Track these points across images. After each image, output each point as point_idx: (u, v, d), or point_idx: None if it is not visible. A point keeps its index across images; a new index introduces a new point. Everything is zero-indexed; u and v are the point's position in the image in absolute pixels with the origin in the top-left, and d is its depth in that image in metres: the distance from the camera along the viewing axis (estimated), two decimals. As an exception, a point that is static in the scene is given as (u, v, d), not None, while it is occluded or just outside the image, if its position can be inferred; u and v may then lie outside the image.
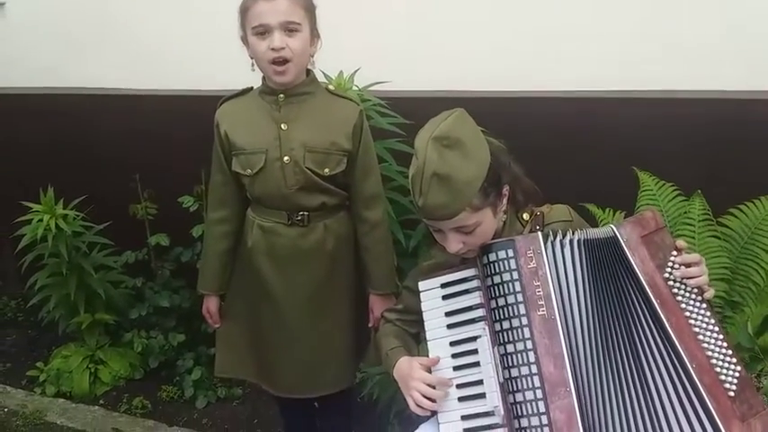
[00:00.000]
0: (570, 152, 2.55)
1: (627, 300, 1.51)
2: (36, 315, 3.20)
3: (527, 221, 1.67)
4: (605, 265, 1.53)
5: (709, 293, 1.54)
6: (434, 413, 1.57)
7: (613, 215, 2.43)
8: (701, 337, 1.49)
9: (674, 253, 1.55)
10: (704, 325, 1.50)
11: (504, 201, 1.62)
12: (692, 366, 1.45)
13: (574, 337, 1.46)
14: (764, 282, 2.29)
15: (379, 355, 1.79)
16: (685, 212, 2.38)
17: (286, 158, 1.94)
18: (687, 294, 1.52)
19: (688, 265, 1.52)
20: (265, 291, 2.06)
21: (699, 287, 1.52)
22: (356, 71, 2.41)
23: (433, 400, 1.56)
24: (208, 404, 2.94)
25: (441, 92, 2.77)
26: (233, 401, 2.97)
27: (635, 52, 2.63)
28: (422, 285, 1.67)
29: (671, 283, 1.53)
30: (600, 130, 2.66)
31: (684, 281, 1.52)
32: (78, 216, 2.87)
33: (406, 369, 1.64)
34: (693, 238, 2.33)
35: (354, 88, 2.41)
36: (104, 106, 3.16)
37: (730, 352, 1.48)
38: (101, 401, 2.98)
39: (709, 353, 1.48)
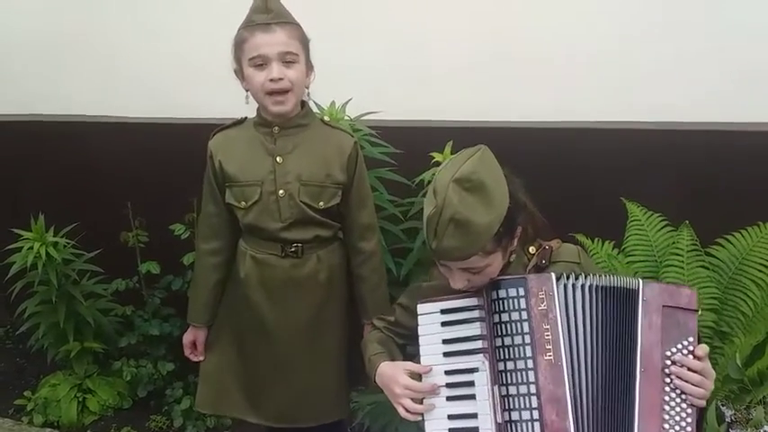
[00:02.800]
0: (558, 182, 2.57)
1: (627, 357, 1.47)
2: (24, 343, 3.17)
3: (533, 255, 1.64)
4: (615, 316, 1.50)
5: (699, 404, 1.47)
6: None
7: (602, 246, 2.45)
8: (666, 426, 1.44)
9: (691, 339, 1.47)
10: (677, 418, 1.44)
11: (515, 241, 1.59)
12: None
13: (578, 385, 1.43)
14: (753, 312, 2.31)
15: (363, 360, 1.77)
16: (673, 243, 2.40)
17: (281, 192, 1.94)
18: (676, 384, 1.45)
19: (692, 370, 1.46)
20: (257, 321, 2.05)
21: (691, 394, 1.45)
22: (348, 101, 2.44)
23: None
24: (196, 434, 2.91)
25: (431, 122, 2.79)
26: (222, 431, 2.94)
27: (619, 81, 2.68)
28: (420, 308, 1.63)
29: (668, 362, 1.46)
30: (587, 160, 2.69)
31: (683, 371, 1.45)
32: (69, 244, 2.85)
33: (390, 374, 1.62)
34: (682, 268, 2.35)
35: (346, 118, 2.43)
36: (96, 133, 3.16)
37: None
38: (88, 431, 2.95)
39: None
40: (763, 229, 2.38)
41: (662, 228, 2.47)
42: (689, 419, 1.45)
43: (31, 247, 2.72)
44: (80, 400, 2.99)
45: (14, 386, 3.22)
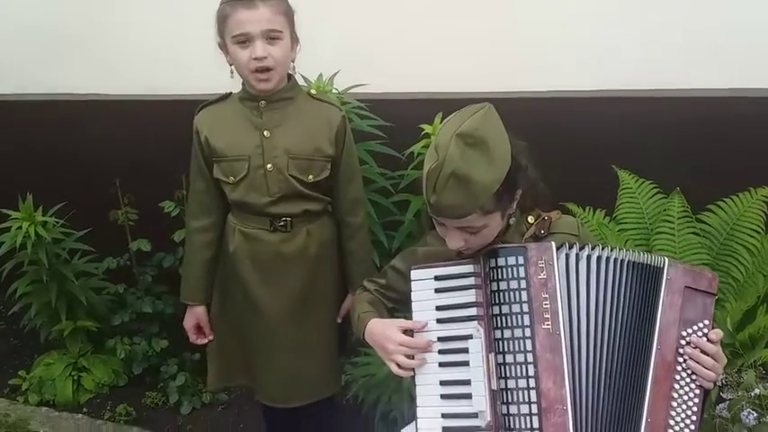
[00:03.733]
0: (550, 151, 2.54)
1: (643, 333, 1.47)
2: (18, 323, 3.17)
3: (531, 224, 1.62)
4: (636, 291, 1.49)
5: (708, 386, 1.48)
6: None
7: (593, 214, 2.45)
8: (674, 404, 1.45)
9: (707, 322, 1.48)
10: (685, 398, 1.46)
11: (515, 204, 1.57)
12: (646, 420, 1.43)
13: (577, 355, 1.43)
14: (744, 277, 2.32)
15: (351, 318, 1.77)
16: (665, 210, 2.40)
17: (269, 166, 1.93)
18: (689, 365, 1.46)
19: (705, 353, 1.46)
20: (248, 297, 2.05)
21: (702, 376, 1.46)
22: (335, 74, 2.41)
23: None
24: (193, 410, 2.92)
25: (420, 93, 2.77)
26: (218, 407, 2.95)
27: (615, 51, 2.66)
28: (414, 274, 1.61)
29: (683, 342, 1.47)
30: (579, 128, 2.68)
31: (696, 352, 1.46)
32: (58, 223, 2.83)
33: (381, 330, 1.61)
34: (673, 235, 2.35)
35: (334, 91, 2.40)
36: (82, 112, 3.13)
37: None
38: (84, 409, 2.96)
39: (672, 422, 1.44)
40: (754, 195, 2.38)
41: (653, 195, 2.47)
42: (696, 400, 1.46)
43: (20, 227, 2.70)
44: (75, 378, 2.99)
45: (9, 366, 3.22)
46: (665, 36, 2.63)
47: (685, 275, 1.50)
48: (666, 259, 1.51)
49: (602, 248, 1.51)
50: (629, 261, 1.50)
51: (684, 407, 1.46)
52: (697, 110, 2.62)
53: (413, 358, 1.56)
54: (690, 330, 1.48)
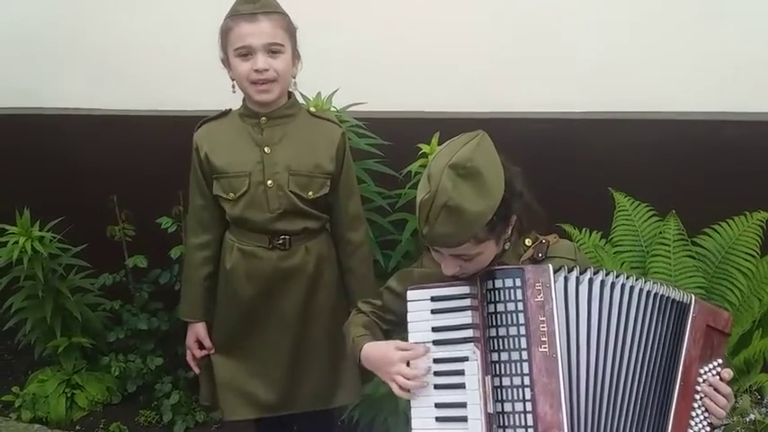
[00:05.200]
0: (546, 172, 2.56)
1: (649, 361, 1.47)
2: (12, 339, 3.15)
3: (528, 247, 1.62)
4: (661, 324, 1.50)
5: (717, 423, 1.52)
6: None
7: (590, 236, 2.45)
8: None
9: (720, 361, 1.51)
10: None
11: (510, 230, 1.56)
12: None
13: (575, 378, 1.42)
14: (739, 301, 2.32)
15: (346, 342, 1.75)
16: (660, 233, 2.41)
17: (270, 182, 1.93)
18: (704, 402, 1.49)
19: (719, 392, 1.50)
20: (245, 313, 2.04)
21: (712, 413, 1.49)
22: (334, 92, 2.43)
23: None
24: (186, 429, 2.89)
25: (418, 113, 2.79)
26: (212, 426, 2.93)
27: (611, 72, 2.68)
28: (411, 294, 1.60)
29: (700, 380, 1.49)
30: (576, 149, 2.69)
31: (711, 391, 1.49)
32: (55, 238, 2.84)
33: (380, 353, 1.60)
34: (669, 257, 2.36)
35: (332, 109, 2.42)
36: (81, 127, 3.14)
37: None
38: (77, 427, 2.93)
39: None
40: (749, 219, 2.39)
41: (649, 218, 2.48)
42: None
43: (17, 242, 2.70)
44: (69, 395, 2.97)
45: (2, 382, 3.20)
46: (662, 58, 2.66)
47: (707, 314, 1.52)
48: (693, 296, 1.53)
49: (607, 273, 1.50)
50: (655, 293, 1.50)
51: None
52: (693, 131, 2.64)
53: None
54: (706, 368, 1.50)
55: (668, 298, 1.51)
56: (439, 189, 1.40)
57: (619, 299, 1.48)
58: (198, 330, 2.12)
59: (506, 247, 1.60)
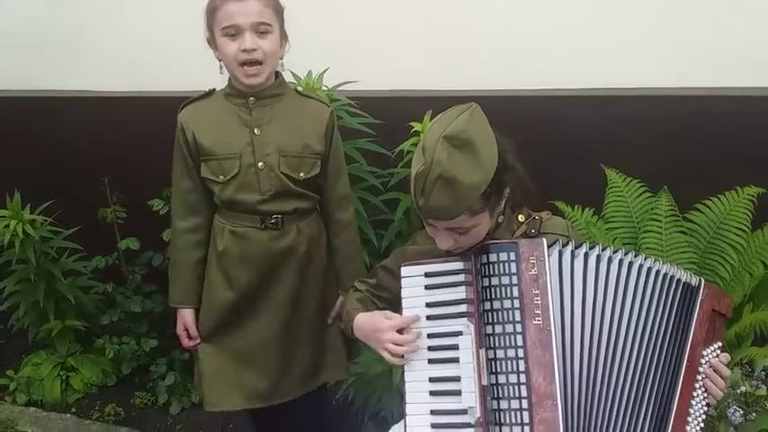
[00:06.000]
0: (538, 149, 2.56)
1: (650, 339, 1.49)
2: (5, 322, 3.15)
3: (522, 223, 1.63)
4: (667, 305, 1.51)
5: (714, 404, 1.56)
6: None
7: (582, 212, 2.46)
8: (689, 419, 1.50)
9: (720, 344, 1.54)
10: (696, 414, 1.51)
11: (503, 203, 1.58)
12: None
13: (569, 351, 1.43)
14: (730, 276, 2.33)
15: (342, 317, 1.79)
16: (652, 209, 2.42)
17: (260, 164, 1.91)
18: (705, 383, 1.52)
19: (720, 374, 1.53)
20: (237, 299, 2.03)
21: (712, 393, 1.53)
22: (325, 71, 2.41)
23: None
24: (182, 410, 2.91)
25: (410, 91, 2.77)
26: (207, 406, 2.94)
27: (603, 49, 2.67)
28: (404, 271, 1.61)
29: (703, 361, 1.52)
30: (567, 126, 2.69)
31: (712, 372, 1.52)
32: (46, 221, 2.82)
33: (371, 322, 1.63)
34: (660, 233, 2.37)
35: (323, 88, 2.40)
36: (71, 109, 3.11)
37: None
38: (73, 409, 2.94)
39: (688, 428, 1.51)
40: (740, 194, 2.40)
41: (641, 194, 2.49)
42: (703, 416, 1.52)
43: (8, 225, 2.68)
44: (63, 378, 2.98)
45: (-4, 366, 3.21)
46: (653, 35, 2.65)
47: (712, 297, 1.55)
48: (701, 279, 1.55)
49: (603, 249, 1.51)
50: (641, 265, 1.51)
51: (695, 423, 1.51)
52: (683, 108, 2.64)
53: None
54: (709, 350, 1.53)
55: (674, 278, 1.53)
56: (434, 161, 1.40)
57: (616, 274, 1.49)
58: (186, 318, 2.08)
59: (500, 221, 1.61)
